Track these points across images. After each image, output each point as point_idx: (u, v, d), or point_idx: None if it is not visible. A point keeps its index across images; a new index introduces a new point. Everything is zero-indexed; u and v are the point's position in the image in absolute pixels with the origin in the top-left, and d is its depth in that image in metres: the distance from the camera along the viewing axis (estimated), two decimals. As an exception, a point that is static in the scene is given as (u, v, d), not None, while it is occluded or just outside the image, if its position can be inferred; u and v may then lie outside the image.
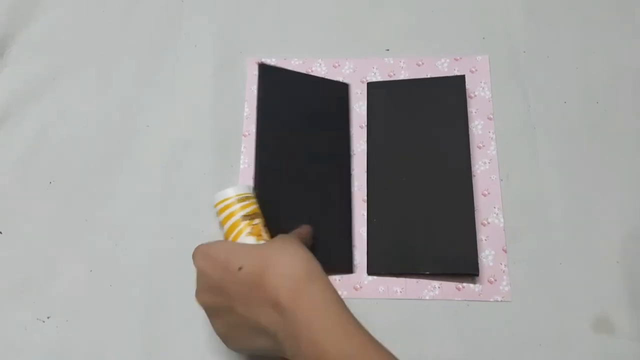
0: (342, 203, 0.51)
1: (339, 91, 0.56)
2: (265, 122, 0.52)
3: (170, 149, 0.54)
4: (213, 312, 0.40)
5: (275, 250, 0.38)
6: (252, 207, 0.46)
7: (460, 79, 0.54)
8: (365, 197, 0.52)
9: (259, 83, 0.53)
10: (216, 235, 0.50)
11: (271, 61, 0.57)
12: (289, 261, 0.37)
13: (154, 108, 0.56)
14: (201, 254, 0.40)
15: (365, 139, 0.54)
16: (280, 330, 0.36)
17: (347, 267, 0.49)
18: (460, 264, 0.48)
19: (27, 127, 0.55)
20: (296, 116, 0.53)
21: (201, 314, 0.48)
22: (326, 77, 0.56)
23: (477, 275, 0.48)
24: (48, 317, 0.48)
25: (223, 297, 0.38)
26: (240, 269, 0.38)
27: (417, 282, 0.49)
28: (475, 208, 0.50)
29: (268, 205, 0.48)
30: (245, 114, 0.55)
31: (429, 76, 0.56)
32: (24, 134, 0.55)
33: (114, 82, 0.57)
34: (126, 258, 0.50)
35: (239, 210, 0.45)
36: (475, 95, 0.55)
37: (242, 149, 0.54)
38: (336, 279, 0.49)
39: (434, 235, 0.49)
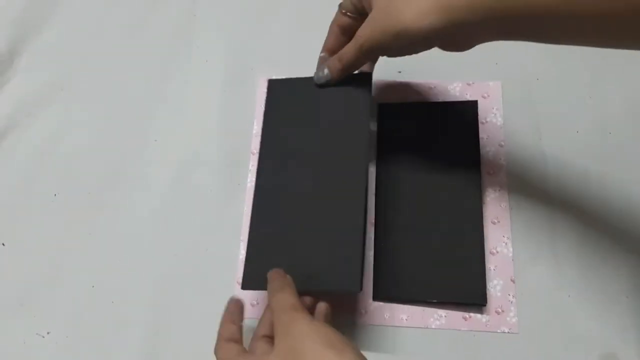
0: (352, 219, 0.45)
1: (357, 83, 0.49)
2: (270, 137, 0.49)
3: (177, 165, 0.54)
4: None
5: None
6: None
7: (473, 104, 0.54)
8: (374, 221, 0.51)
9: (267, 98, 0.51)
10: (220, 254, 0.50)
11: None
12: None
13: (163, 122, 0.55)
14: None
15: (374, 160, 0.53)
16: None
17: (354, 285, 0.43)
18: (468, 293, 0.47)
19: (33, 138, 0.55)
20: (306, 126, 0.49)
21: (203, 332, 0.47)
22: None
23: (485, 305, 0.47)
24: (48, 333, 0.47)
25: None
26: None
27: (424, 310, 0.48)
28: (485, 237, 0.49)
29: (268, 223, 0.46)
30: (254, 132, 0.55)
31: (440, 100, 0.55)
32: (30, 144, 0.55)
33: (123, 95, 0.57)
34: (129, 274, 0.49)
35: None
36: (487, 122, 0.54)
37: (250, 167, 0.54)
38: (342, 303, 0.48)
39: (442, 263, 0.48)
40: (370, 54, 0.43)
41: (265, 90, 0.56)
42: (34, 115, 0.56)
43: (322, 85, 0.48)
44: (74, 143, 0.55)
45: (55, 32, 0.60)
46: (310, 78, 0.50)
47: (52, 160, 0.54)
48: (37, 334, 0.47)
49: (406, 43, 0.39)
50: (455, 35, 0.39)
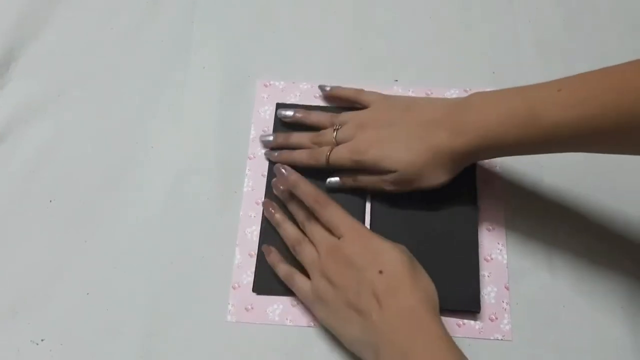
0: None
1: None
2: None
3: (174, 172, 0.53)
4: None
5: (414, 272, 0.42)
6: None
7: None
8: (369, 225, 0.51)
9: (275, 121, 0.55)
10: (215, 262, 0.50)
11: (279, 84, 0.57)
12: (423, 287, 0.42)
13: (159, 129, 0.55)
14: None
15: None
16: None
17: None
18: (462, 300, 0.48)
19: (29, 143, 0.55)
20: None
21: (198, 340, 0.47)
22: (334, 103, 0.56)
23: (479, 312, 0.47)
24: (42, 340, 0.47)
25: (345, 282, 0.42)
26: (380, 272, 0.41)
27: (418, 316, 0.48)
28: (479, 243, 0.50)
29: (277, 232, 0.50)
30: (251, 136, 0.55)
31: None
32: (26, 150, 0.54)
33: (120, 100, 0.57)
34: (124, 281, 0.49)
35: None
36: (483, 129, 0.54)
37: (247, 172, 0.54)
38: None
39: (436, 269, 0.48)
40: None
41: (262, 95, 0.57)
42: (29, 122, 0.56)
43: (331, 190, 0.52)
44: (69, 149, 0.55)
45: (52, 37, 0.59)
46: (315, 107, 0.55)
47: (48, 166, 0.54)
48: (31, 341, 0.47)
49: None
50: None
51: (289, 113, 0.54)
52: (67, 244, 0.51)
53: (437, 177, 0.46)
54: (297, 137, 0.52)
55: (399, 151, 0.46)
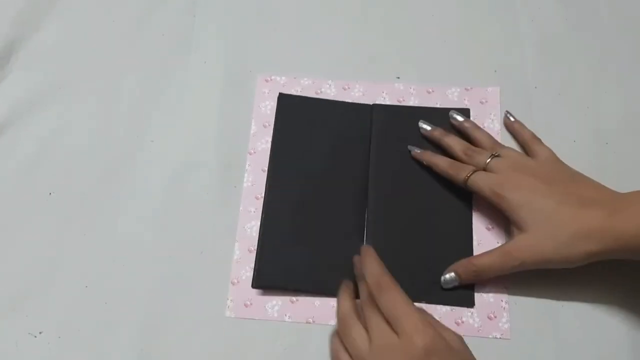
0: (355, 226, 0.51)
1: (361, 113, 0.55)
2: (280, 149, 0.54)
3: (174, 166, 0.53)
4: None
5: None
6: None
7: (465, 112, 0.54)
8: (365, 221, 0.51)
9: (277, 112, 0.55)
10: (214, 257, 0.50)
11: (280, 80, 0.57)
12: None
13: (160, 123, 0.55)
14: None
15: (367, 161, 0.53)
16: None
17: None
18: (456, 296, 0.48)
19: (30, 136, 0.55)
20: (313, 143, 0.54)
21: (197, 334, 0.47)
22: (335, 99, 0.56)
23: (472, 307, 0.48)
24: (40, 333, 0.47)
25: None
26: None
27: (417, 314, 0.48)
28: (479, 242, 0.50)
29: (277, 227, 0.50)
30: (251, 132, 0.55)
31: (438, 104, 0.55)
32: (26, 143, 0.54)
33: (121, 94, 0.57)
34: (122, 275, 0.49)
35: None
36: (484, 127, 0.54)
37: (247, 167, 0.54)
38: (331, 305, 0.48)
39: (431, 265, 0.49)
40: (521, 270, 0.45)
41: (263, 90, 0.57)
42: (30, 114, 0.55)
43: (447, 289, 0.48)
44: (70, 142, 0.55)
45: (53, 30, 0.59)
46: (318, 99, 0.56)
47: (48, 159, 0.54)
48: (29, 333, 0.47)
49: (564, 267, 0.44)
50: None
51: (427, 127, 0.53)
52: (66, 236, 0.51)
53: (569, 254, 0.43)
54: (452, 140, 0.51)
55: (544, 210, 0.43)
